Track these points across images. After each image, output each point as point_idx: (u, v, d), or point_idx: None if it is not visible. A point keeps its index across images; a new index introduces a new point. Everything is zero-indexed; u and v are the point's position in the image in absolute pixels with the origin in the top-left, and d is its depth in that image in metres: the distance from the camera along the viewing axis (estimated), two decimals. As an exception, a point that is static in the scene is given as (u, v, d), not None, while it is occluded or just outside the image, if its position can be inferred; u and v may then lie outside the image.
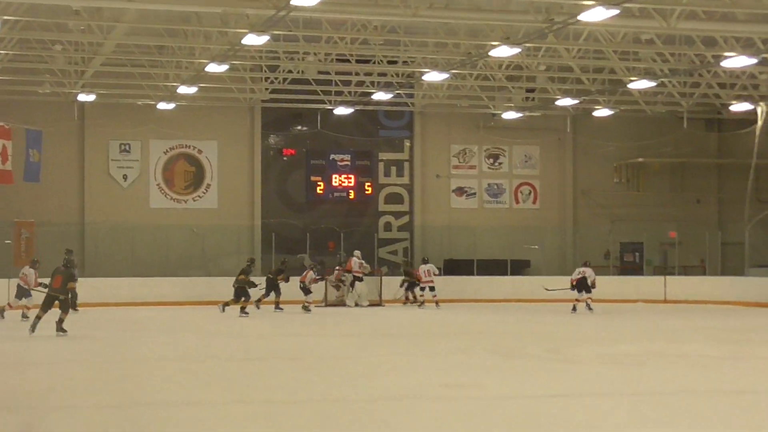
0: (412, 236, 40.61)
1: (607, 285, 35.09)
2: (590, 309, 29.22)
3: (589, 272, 29.55)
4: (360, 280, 32.63)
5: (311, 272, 30.61)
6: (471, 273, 36.21)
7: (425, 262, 32.57)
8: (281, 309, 29.35)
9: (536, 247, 39.27)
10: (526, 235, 39.61)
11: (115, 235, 36.80)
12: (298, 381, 14.21)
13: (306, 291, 30.10)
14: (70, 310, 22.19)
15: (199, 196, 38.86)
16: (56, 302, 20.86)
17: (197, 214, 38.61)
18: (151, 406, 12.05)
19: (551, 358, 17.52)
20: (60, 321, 20.81)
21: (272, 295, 29.72)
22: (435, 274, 31.87)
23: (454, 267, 36.80)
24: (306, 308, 29.80)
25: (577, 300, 29.39)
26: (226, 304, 28.19)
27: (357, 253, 33.10)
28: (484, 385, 13.72)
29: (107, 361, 17.16)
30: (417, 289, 32.35)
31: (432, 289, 31.61)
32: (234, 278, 28.70)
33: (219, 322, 25.72)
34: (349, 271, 32.68)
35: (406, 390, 13.05)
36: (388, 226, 40.65)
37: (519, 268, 38.04)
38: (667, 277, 36.74)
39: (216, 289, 31.84)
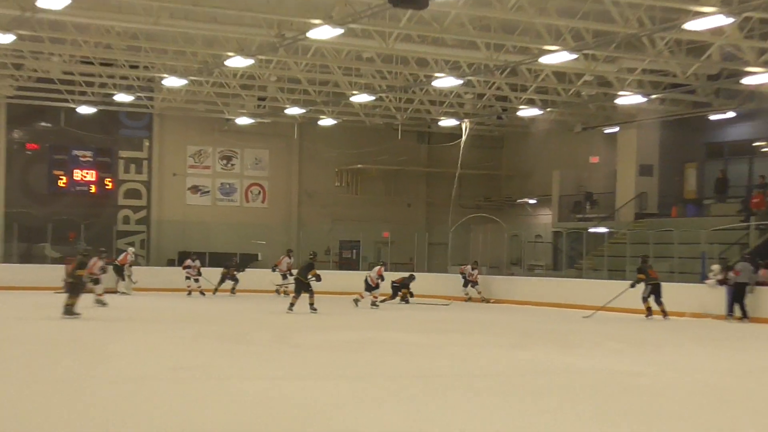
0: (149, 229, 40.00)
1: (327, 279, 35.42)
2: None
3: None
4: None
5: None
6: (203, 265, 35.80)
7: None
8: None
9: (264, 242, 39.41)
10: (255, 231, 39.73)
11: None
12: (33, 363, 13.59)
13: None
14: None
15: (-60, 186, 36.88)
16: None
17: (-62, 203, 36.67)
18: None
19: (277, 343, 17.47)
20: None
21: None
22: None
23: (187, 259, 36.23)
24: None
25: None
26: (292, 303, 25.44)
27: (131, 249, 33.50)
28: (214, 367, 13.51)
29: None
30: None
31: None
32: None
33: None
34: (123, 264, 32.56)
35: (138, 372, 12.72)
36: (126, 219, 39.89)
37: (248, 260, 37.97)
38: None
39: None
